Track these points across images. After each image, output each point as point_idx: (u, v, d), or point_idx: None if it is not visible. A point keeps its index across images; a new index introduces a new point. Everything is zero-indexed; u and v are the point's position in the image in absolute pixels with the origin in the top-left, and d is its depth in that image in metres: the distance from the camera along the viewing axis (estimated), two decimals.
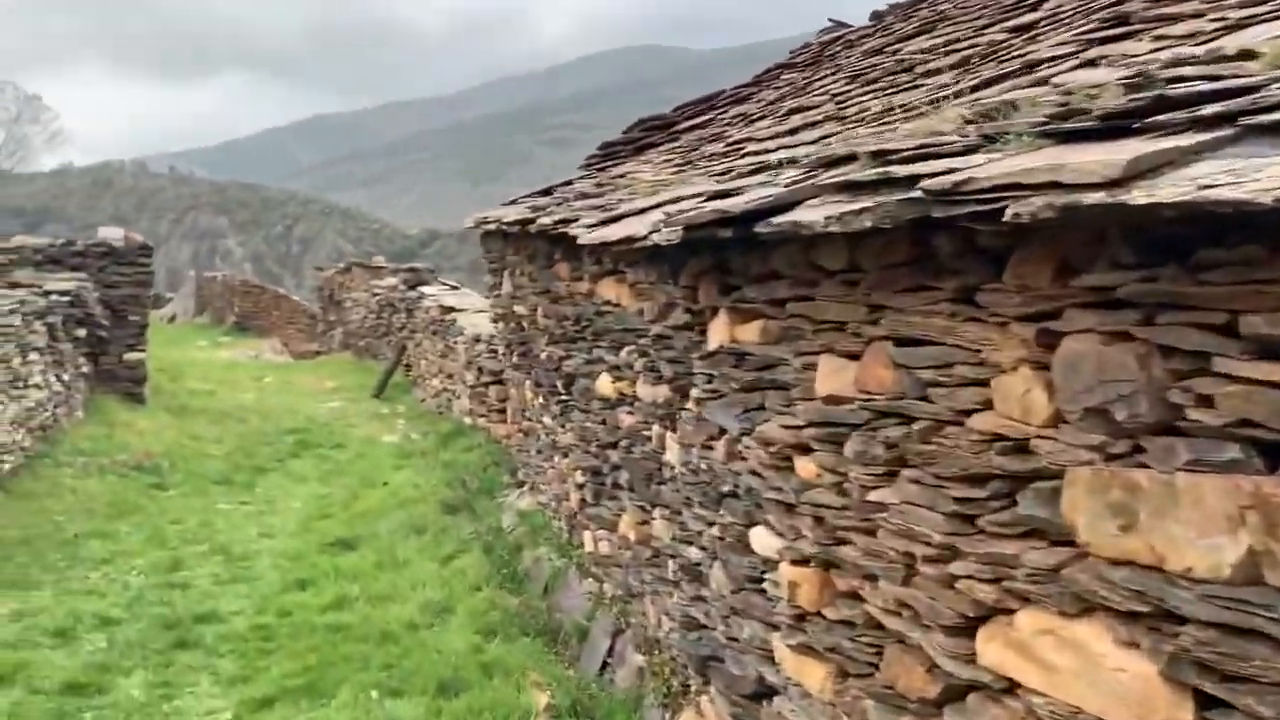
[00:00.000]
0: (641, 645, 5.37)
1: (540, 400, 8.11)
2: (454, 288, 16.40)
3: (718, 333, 3.85)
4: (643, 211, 4.50)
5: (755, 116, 8.10)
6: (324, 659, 5.56)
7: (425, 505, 8.82)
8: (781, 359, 3.37)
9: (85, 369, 12.43)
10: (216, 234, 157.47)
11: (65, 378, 11.47)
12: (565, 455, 7.41)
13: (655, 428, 5.16)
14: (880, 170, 2.57)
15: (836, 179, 2.80)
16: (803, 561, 3.30)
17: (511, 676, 5.25)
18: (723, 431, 3.96)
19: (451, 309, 13.29)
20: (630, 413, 5.69)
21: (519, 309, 8.55)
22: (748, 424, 3.61)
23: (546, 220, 6.37)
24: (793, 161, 4.16)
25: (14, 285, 11.39)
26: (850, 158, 3.01)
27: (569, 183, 9.35)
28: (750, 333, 3.56)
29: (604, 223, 4.71)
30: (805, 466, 3.21)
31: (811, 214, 2.63)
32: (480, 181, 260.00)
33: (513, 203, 9.21)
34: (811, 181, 2.94)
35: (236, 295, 30.46)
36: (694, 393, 4.34)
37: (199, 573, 7.47)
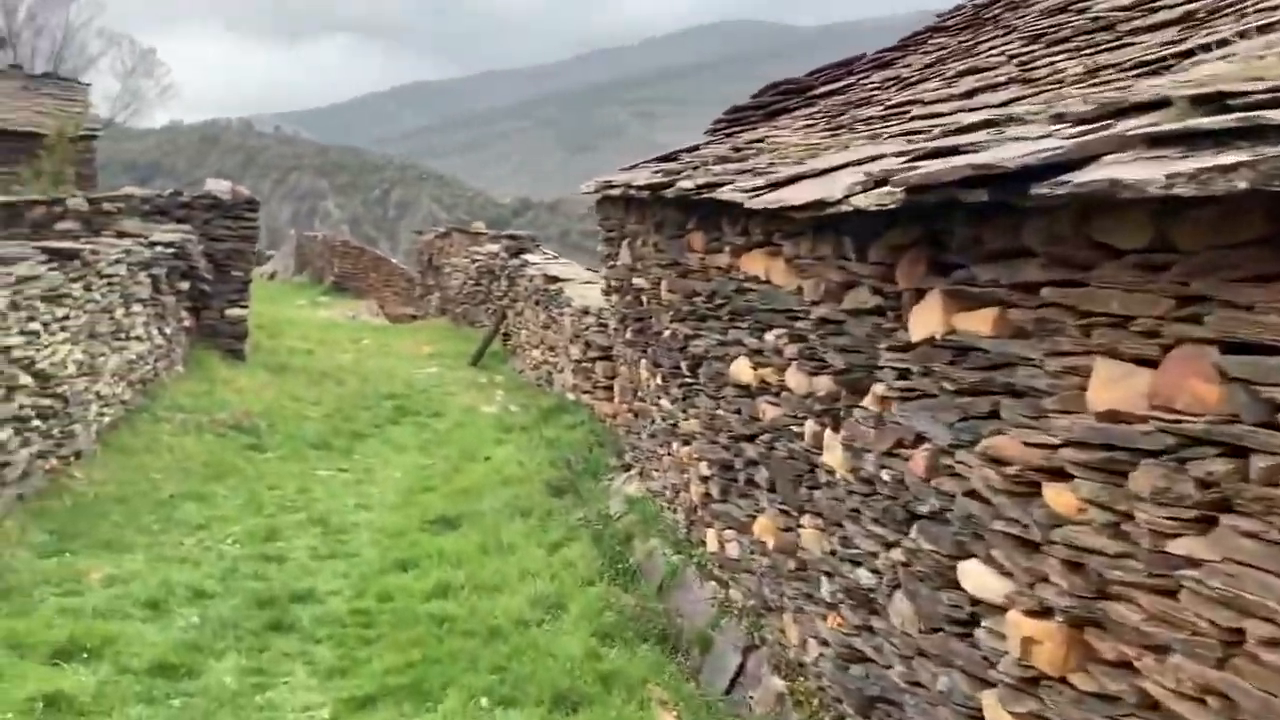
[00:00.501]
0: (781, 668, 4.76)
1: (658, 381, 7.53)
2: (554, 257, 15.90)
3: (926, 320, 3.19)
4: (824, 173, 3.84)
5: (911, 80, 7.32)
6: (429, 655, 5.08)
7: (529, 484, 8.33)
8: (1026, 358, 2.70)
9: (187, 323, 12.27)
10: (317, 195, 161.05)
11: (167, 331, 11.30)
12: (686, 443, 6.82)
13: (809, 424, 4.52)
14: (1242, 117, 1.88)
15: (1145, 130, 2.12)
16: (1042, 613, 2.64)
17: (634, 691, 4.70)
18: (921, 439, 3.31)
19: (557, 279, 12.79)
20: (774, 404, 5.06)
21: (638, 282, 7.96)
22: (968, 434, 2.95)
23: (687, 184, 5.75)
24: (1014, 120, 3.45)
25: (121, 234, 11.23)
26: (1155, 104, 2.32)
27: (694, 148, 8.70)
28: (979, 323, 2.89)
29: (772, 186, 4.07)
30: (1060, 497, 2.54)
31: (1134, 171, 1.95)
32: (573, 152, 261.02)
33: (633, 168, 8.61)
34: (1109, 133, 2.25)
35: (336, 255, 30.59)
36: (876, 389, 3.69)
37: (295, 545, 7.10)
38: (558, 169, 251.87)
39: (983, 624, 2.94)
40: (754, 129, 8.99)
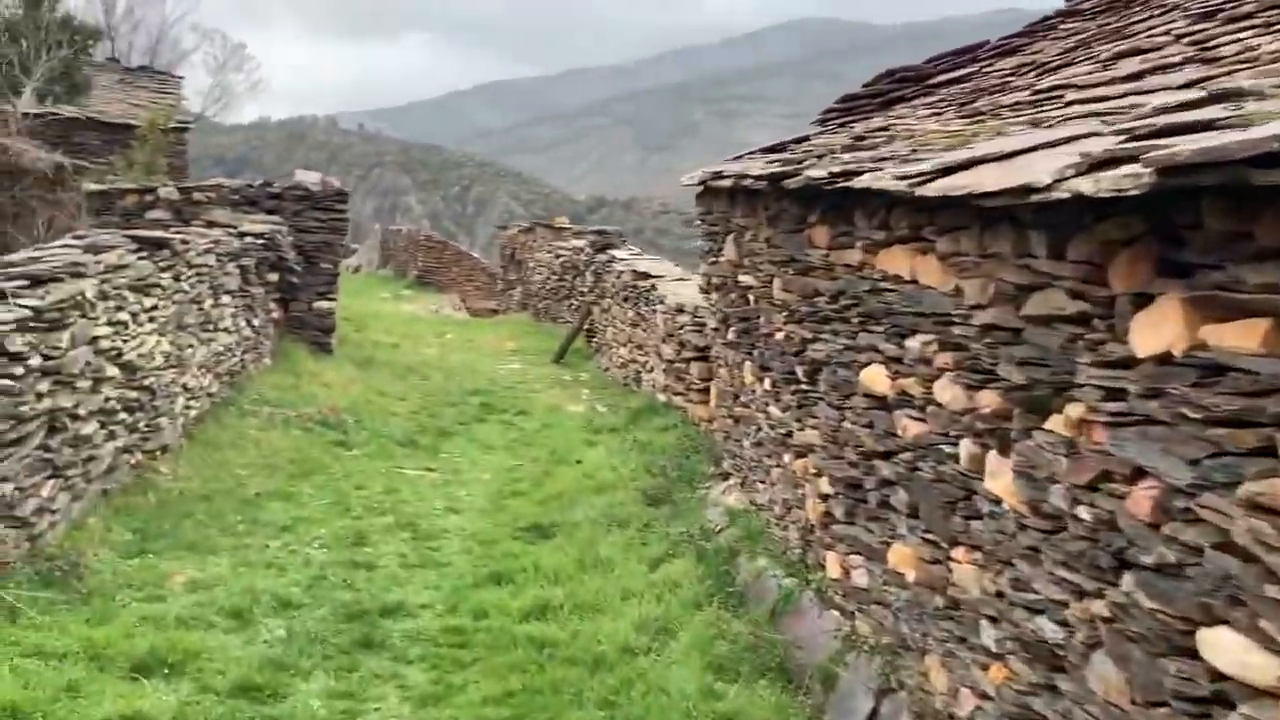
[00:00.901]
0: (926, 717, 4.22)
1: (765, 386, 7.02)
2: (639, 253, 15.46)
3: (1158, 333, 2.64)
4: (1007, 157, 3.31)
5: (1052, 65, 6.70)
6: (529, 684, 4.66)
7: (623, 492, 7.89)
8: None
9: (275, 315, 12.11)
10: (399, 191, 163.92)
11: (255, 323, 11.13)
12: (801, 455, 6.30)
13: (966, 444, 3.97)
14: None
15: None
16: None
17: None
18: (1141, 474, 2.75)
19: (647, 275, 12.34)
20: (918, 419, 4.51)
21: (745, 280, 7.46)
22: (1222, 475, 2.39)
23: (817, 172, 5.23)
24: (1246, 94, 2.86)
25: (210, 224, 11.08)
26: None
27: (802, 139, 8.18)
28: (1242, 337, 2.33)
29: (942, 171, 3.53)
30: None
31: None
32: (650, 150, 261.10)
33: (739, 158, 8.11)
34: None
35: (419, 250, 30.63)
36: (1070, 411, 3.13)
37: (384, 551, 6.76)
38: (634, 167, 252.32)
39: (1239, 709, 2.37)
40: (869, 118, 8.44)
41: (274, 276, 11.63)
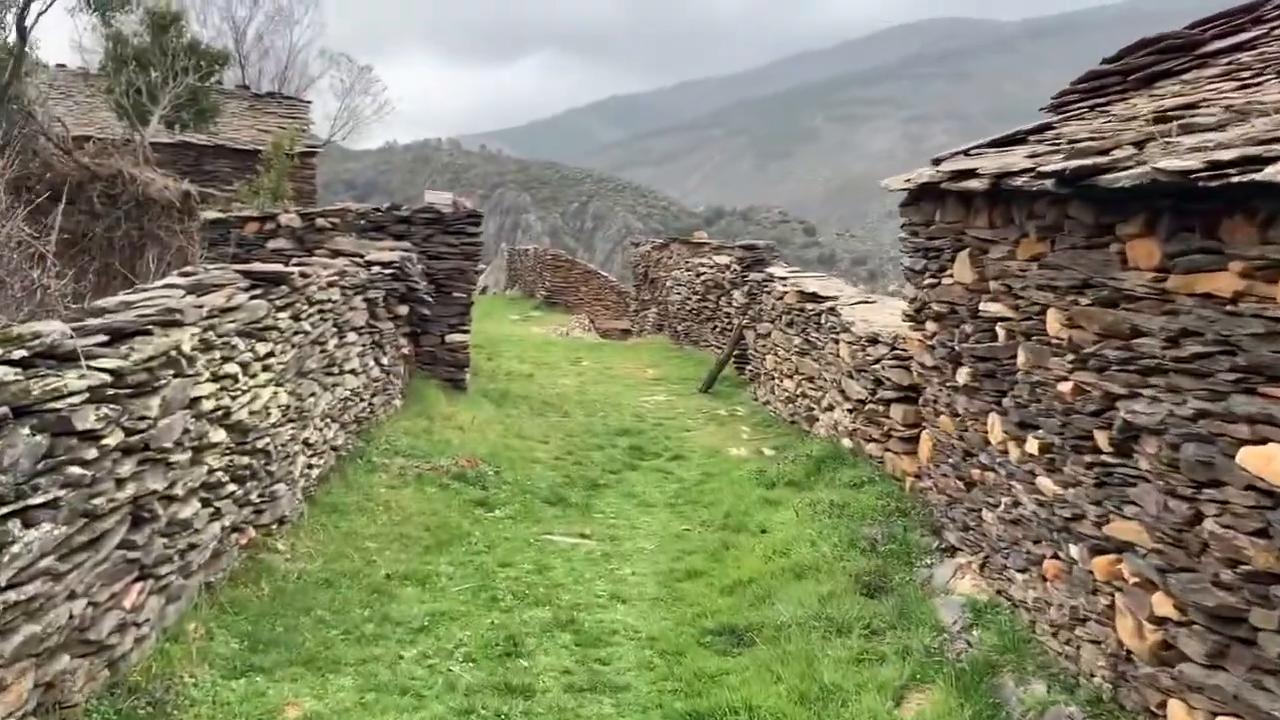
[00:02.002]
0: None
1: (1030, 449, 5.36)
2: (798, 270, 13.83)
3: None
4: None
5: None
6: None
7: (830, 578, 6.32)
8: None
9: (405, 350, 10.98)
10: (519, 209, 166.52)
11: (385, 362, 9.98)
12: (1101, 552, 4.64)
13: None
14: None
15: None
16: None
17: None
18: None
19: (816, 296, 10.73)
20: None
21: (992, 308, 5.82)
22: None
23: (1169, 164, 3.60)
24: None
25: (335, 253, 10.02)
26: None
27: (1043, 127, 6.50)
28: None
29: None
30: None
31: None
32: (768, 159, 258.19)
33: (968, 153, 6.48)
34: None
35: (546, 269, 29.67)
36: None
37: (543, 664, 5.35)
38: (750, 176, 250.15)
39: None
40: (1127, 98, 6.71)
41: (403, 309, 10.49)
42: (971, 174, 5.44)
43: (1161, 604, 4.08)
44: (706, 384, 14.54)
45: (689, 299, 18.16)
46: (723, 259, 16.80)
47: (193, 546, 5.59)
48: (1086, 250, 4.64)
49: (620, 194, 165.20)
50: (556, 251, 31.49)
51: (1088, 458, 4.72)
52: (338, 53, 40.27)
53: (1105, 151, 4.38)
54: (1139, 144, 4.29)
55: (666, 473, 9.92)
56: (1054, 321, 5.00)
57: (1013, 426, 5.62)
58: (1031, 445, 5.36)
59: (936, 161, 6.84)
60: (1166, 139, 4.13)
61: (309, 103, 28.35)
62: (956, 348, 6.44)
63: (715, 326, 16.72)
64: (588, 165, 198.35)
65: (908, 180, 6.64)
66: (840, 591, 6.06)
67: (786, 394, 11.56)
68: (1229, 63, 6.16)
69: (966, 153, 6.59)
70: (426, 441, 9.61)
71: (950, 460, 6.87)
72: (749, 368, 13.72)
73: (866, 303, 9.67)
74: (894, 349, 8.17)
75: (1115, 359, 4.40)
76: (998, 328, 5.78)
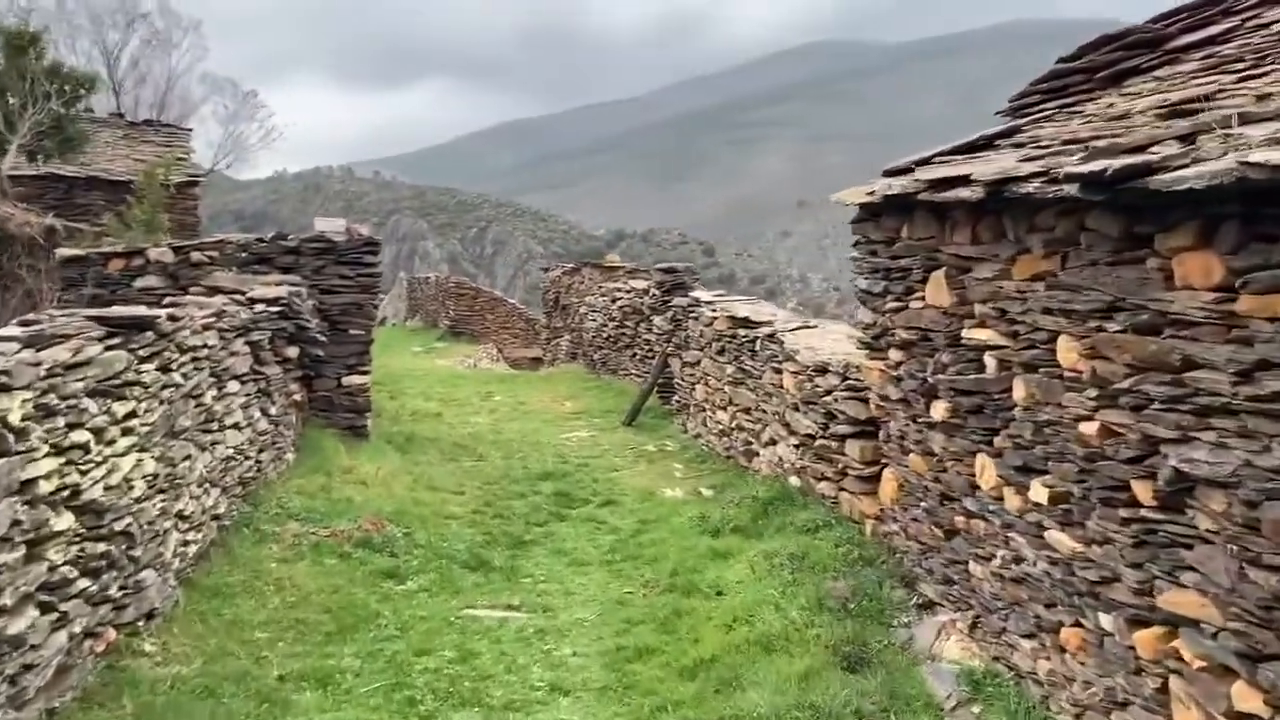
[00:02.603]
0: None
1: (1037, 498, 4.63)
2: (720, 294, 13.10)
3: None
4: None
5: None
6: None
7: (804, 651, 5.48)
8: None
9: (298, 396, 9.83)
10: (416, 236, 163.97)
11: (273, 412, 8.84)
12: (1144, 624, 3.90)
13: None
14: None
15: None
16: None
17: None
18: None
19: (749, 321, 9.97)
20: None
21: (979, 336, 5.09)
22: None
23: (1251, 160, 2.88)
24: None
25: (213, 291, 8.86)
26: None
27: (1007, 132, 5.87)
28: None
29: None
30: None
31: None
32: (666, 181, 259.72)
33: (928, 162, 5.77)
34: None
35: (449, 298, 28.48)
36: None
37: None
38: (649, 199, 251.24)
39: None
40: (1095, 97, 6.15)
41: (293, 350, 9.36)
42: (961, 181, 4.70)
43: (1246, 697, 3.34)
44: (630, 416, 13.67)
45: (605, 326, 17.30)
46: (640, 283, 16.00)
47: (28, 668, 4.46)
48: (1113, 267, 3.92)
49: (519, 218, 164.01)
50: (460, 279, 30.31)
51: (1122, 512, 3.98)
52: (221, 78, 38.44)
53: (1139, 149, 3.67)
54: (1185, 139, 3.58)
55: (598, 522, 8.99)
56: (1068, 351, 4.26)
57: (1010, 471, 4.88)
58: (1038, 493, 4.63)
59: (892, 173, 6.13)
60: (1225, 130, 3.43)
61: (189, 130, 26.69)
62: (930, 379, 5.71)
63: (635, 354, 15.89)
64: (485, 190, 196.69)
65: (870, 193, 5.90)
66: (819, 668, 5.22)
67: (720, 427, 10.75)
68: (1206, 56, 5.61)
69: (926, 161, 5.90)
70: (324, 501, 8.50)
71: (923, 504, 6.13)
72: (675, 398, 12.90)
73: (806, 328, 8.94)
74: (847, 379, 7.43)
75: (1159, 396, 3.68)
76: (987, 357, 5.05)
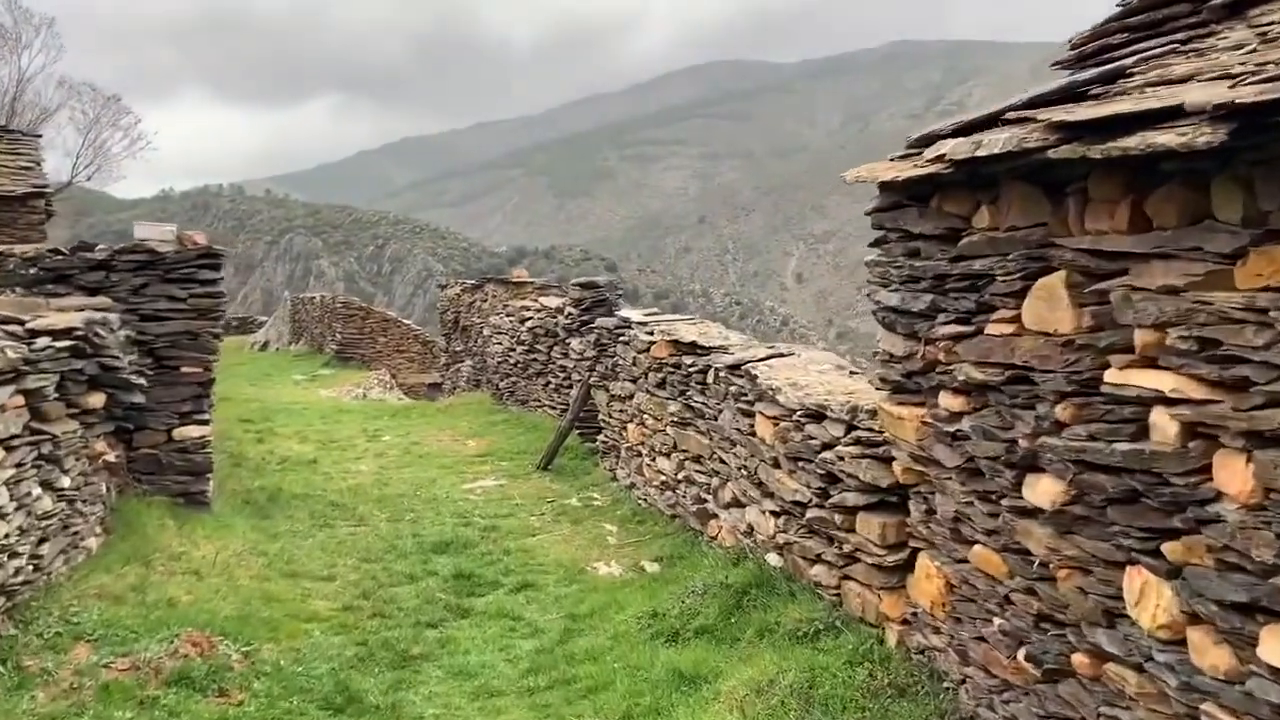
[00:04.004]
0: None
1: (1258, 658, 2.67)
2: (654, 312, 11.03)
3: None
4: None
5: None
6: None
7: None
8: None
9: (110, 457, 7.42)
10: (310, 255, 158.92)
11: (64, 484, 6.42)
12: None
13: None
14: None
15: None
16: None
17: None
18: None
19: (696, 347, 7.95)
20: None
21: (1131, 380, 3.13)
22: None
23: None
24: None
25: None
26: None
27: (1112, 76, 3.96)
28: None
29: None
30: None
31: None
32: (566, 198, 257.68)
33: (956, 130, 3.82)
34: None
35: (337, 319, 25.83)
36: None
37: None
38: (550, 216, 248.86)
39: None
40: (1215, 31, 4.29)
41: (97, 398, 6.95)
42: (1162, 118, 2.71)
43: None
44: (546, 459, 11.50)
45: (513, 350, 15.09)
46: (553, 301, 13.87)
47: None
48: None
49: (418, 236, 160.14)
50: (348, 299, 27.66)
51: None
52: (79, 82, 34.95)
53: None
54: None
55: (513, 619, 6.78)
56: None
57: (1207, 606, 2.93)
58: (1273, 651, 2.68)
59: (923, 141, 4.21)
60: None
61: (38, 136, 23.53)
62: (1027, 442, 3.74)
63: (549, 383, 13.73)
64: (382, 208, 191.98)
65: (934, 159, 3.88)
66: None
67: (663, 478, 8.68)
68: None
69: (996, 119, 3.95)
70: (136, 608, 6.14)
71: (999, 620, 4.15)
72: (602, 438, 10.78)
73: (779, 356, 6.92)
74: (855, 429, 5.42)
75: None
76: (1157, 416, 3.09)
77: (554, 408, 13.43)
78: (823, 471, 5.63)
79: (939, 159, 3.79)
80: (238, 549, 7.57)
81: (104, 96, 34.80)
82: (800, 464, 5.91)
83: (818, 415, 5.73)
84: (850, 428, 5.46)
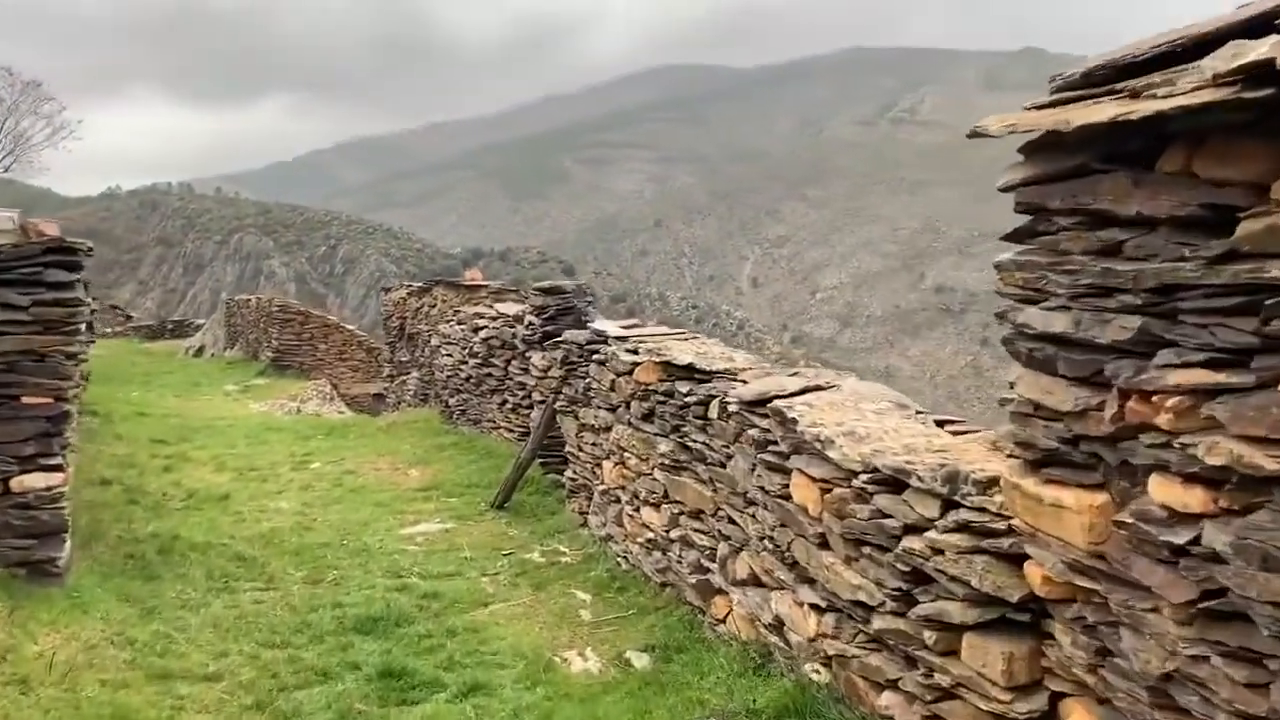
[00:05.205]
0: None
1: None
2: (633, 324, 9.24)
3: None
4: None
5: None
6: None
7: None
8: None
9: None
10: (261, 255, 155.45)
11: None
12: None
13: None
14: None
15: None
16: None
17: None
18: None
19: (693, 371, 6.21)
20: None
21: None
22: None
23: None
24: None
25: None
26: None
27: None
28: None
29: None
30: None
31: None
32: (521, 200, 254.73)
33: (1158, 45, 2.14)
34: None
35: (274, 324, 23.74)
36: None
37: None
38: (505, 218, 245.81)
39: None
40: None
41: None
42: None
43: None
44: (503, 496, 9.69)
45: (465, 362, 13.25)
46: (511, 308, 12.06)
47: None
48: None
49: (371, 236, 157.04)
50: (285, 301, 25.55)
51: None
52: None
53: None
54: None
55: None
56: None
57: None
58: None
59: (1102, 77, 2.54)
60: None
61: None
62: None
63: (505, 402, 11.92)
64: (335, 208, 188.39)
65: (1176, 84, 2.20)
66: None
67: (649, 534, 6.92)
68: None
69: (1154, 60, 2.26)
70: None
71: None
72: (569, 473, 9.00)
73: (818, 389, 5.19)
74: (956, 505, 3.71)
75: None
76: None
77: (511, 430, 11.63)
78: (906, 567, 3.91)
79: (1233, 75, 2.08)
80: (93, 638, 5.70)
81: (22, 81, 32.40)
82: (866, 551, 4.18)
83: (895, 483, 4.00)
84: (949, 504, 3.75)
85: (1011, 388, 3.31)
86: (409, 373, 17.02)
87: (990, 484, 3.62)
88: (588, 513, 8.37)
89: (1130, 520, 2.78)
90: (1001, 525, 3.52)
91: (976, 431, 4.43)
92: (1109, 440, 2.86)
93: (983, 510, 3.62)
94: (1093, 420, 2.90)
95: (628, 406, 7.22)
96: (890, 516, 4.00)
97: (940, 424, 4.54)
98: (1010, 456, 3.35)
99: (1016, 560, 3.46)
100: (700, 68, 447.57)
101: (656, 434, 6.74)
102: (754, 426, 5.24)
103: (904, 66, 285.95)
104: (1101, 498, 2.95)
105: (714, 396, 5.93)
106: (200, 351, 31.10)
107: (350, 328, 24.56)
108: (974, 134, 3.02)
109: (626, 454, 7.29)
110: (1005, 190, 3.16)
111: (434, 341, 14.78)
